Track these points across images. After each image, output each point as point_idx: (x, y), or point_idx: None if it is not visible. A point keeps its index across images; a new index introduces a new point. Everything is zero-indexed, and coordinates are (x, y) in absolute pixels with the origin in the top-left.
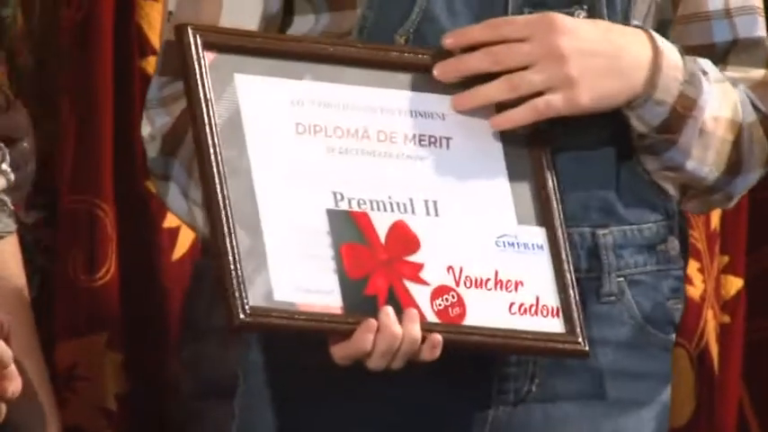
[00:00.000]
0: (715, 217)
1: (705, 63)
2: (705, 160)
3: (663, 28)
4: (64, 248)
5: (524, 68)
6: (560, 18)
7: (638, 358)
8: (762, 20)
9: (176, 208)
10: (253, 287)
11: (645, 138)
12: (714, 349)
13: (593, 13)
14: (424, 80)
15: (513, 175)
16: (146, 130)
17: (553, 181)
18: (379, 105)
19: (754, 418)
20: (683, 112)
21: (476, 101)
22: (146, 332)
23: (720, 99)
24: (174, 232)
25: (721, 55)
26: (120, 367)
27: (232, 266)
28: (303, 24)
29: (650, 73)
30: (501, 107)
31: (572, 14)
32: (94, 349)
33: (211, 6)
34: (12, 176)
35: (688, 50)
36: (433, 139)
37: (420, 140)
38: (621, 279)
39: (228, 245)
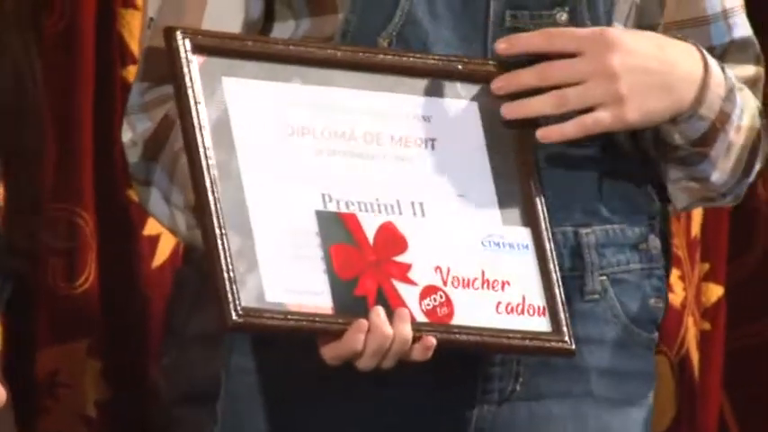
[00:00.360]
0: (696, 224)
1: (732, 73)
2: (727, 170)
3: (651, 31)
4: (43, 256)
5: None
6: (615, 34)
7: (622, 357)
8: (746, 17)
9: (158, 213)
10: (244, 288)
11: (678, 149)
12: (695, 356)
13: (574, 15)
14: (410, 83)
15: (498, 176)
16: (126, 135)
17: (537, 181)
18: (367, 108)
19: (735, 424)
20: (719, 126)
21: (524, 112)
22: (126, 339)
23: (745, 107)
24: (155, 240)
25: (719, 57)
26: (100, 374)
27: (224, 268)
28: (283, 30)
29: (699, 90)
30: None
31: (554, 16)
32: (75, 356)
33: (193, 13)
34: None
35: None
36: (419, 141)
37: (406, 142)
38: (604, 278)
39: (220, 246)
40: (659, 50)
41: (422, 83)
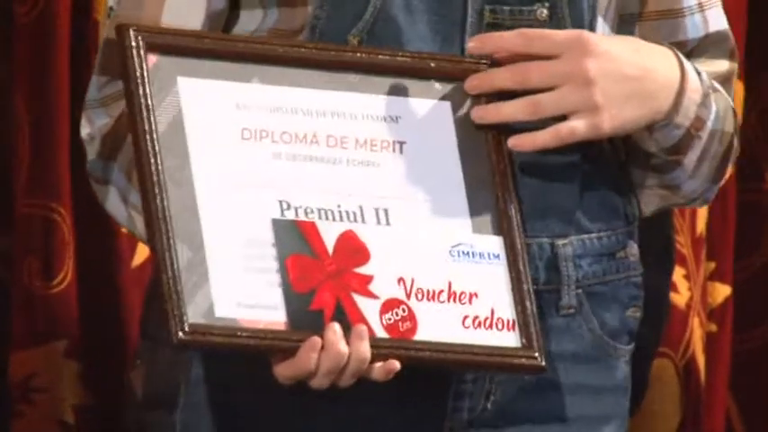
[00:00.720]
0: (701, 221)
1: (707, 75)
2: (700, 177)
3: (625, 23)
4: (19, 254)
5: (549, 88)
6: (592, 39)
7: (598, 372)
8: (722, 9)
9: (116, 213)
10: (193, 303)
11: (652, 157)
12: (701, 359)
13: (554, 12)
14: (377, 82)
15: (470, 182)
16: (84, 130)
17: (512, 187)
18: (330, 109)
19: (742, 430)
20: (694, 133)
21: (496, 117)
22: (105, 341)
23: (720, 111)
24: (134, 238)
25: (692, 50)
26: (78, 378)
27: (171, 282)
28: (250, 20)
29: (676, 96)
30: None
31: (534, 12)
32: (52, 359)
33: (153, 3)
34: None
35: None
36: (386, 144)
37: (372, 145)
38: (580, 291)
39: (167, 260)
40: (637, 55)
41: (390, 82)
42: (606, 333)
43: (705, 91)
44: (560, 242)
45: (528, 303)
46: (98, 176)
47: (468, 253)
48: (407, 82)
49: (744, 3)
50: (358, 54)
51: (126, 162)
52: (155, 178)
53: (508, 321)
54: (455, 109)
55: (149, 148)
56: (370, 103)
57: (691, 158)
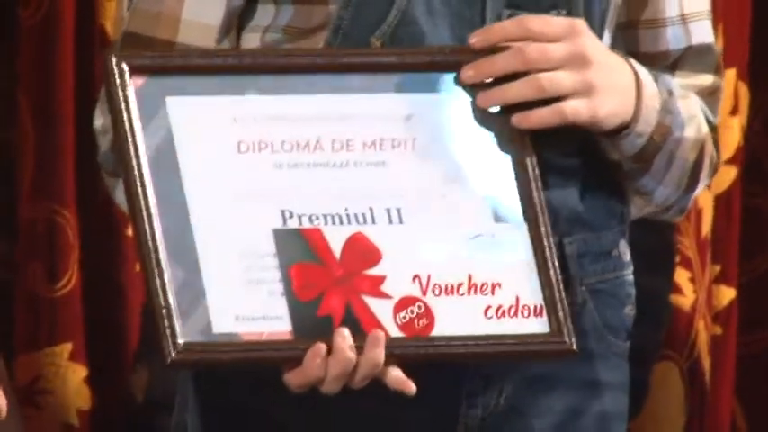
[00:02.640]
0: (706, 224)
1: (670, 81)
2: (670, 184)
3: (615, 30)
4: (23, 258)
5: (549, 69)
6: (584, 25)
7: (602, 369)
8: (709, 23)
9: (123, 204)
10: (189, 322)
11: (619, 164)
12: (706, 362)
13: (570, 16)
14: (383, 80)
15: (490, 171)
16: (98, 122)
17: (535, 174)
18: (334, 112)
19: None
20: (658, 140)
21: (501, 99)
22: (110, 344)
23: (686, 118)
24: None
25: (675, 61)
26: (83, 381)
27: (161, 303)
28: (263, 17)
29: (635, 102)
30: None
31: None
32: (57, 362)
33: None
34: None
35: (639, 56)
36: (396, 142)
37: (381, 145)
38: (584, 288)
39: (158, 283)
40: (606, 52)
41: (398, 79)
42: (607, 330)
43: (664, 97)
44: (567, 241)
45: (555, 288)
46: (109, 169)
47: (489, 243)
48: (417, 77)
49: (747, 10)
50: (361, 54)
51: None
52: (142, 203)
53: (535, 308)
54: (470, 99)
55: (136, 174)
56: (377, 103)
57: (658, 165)
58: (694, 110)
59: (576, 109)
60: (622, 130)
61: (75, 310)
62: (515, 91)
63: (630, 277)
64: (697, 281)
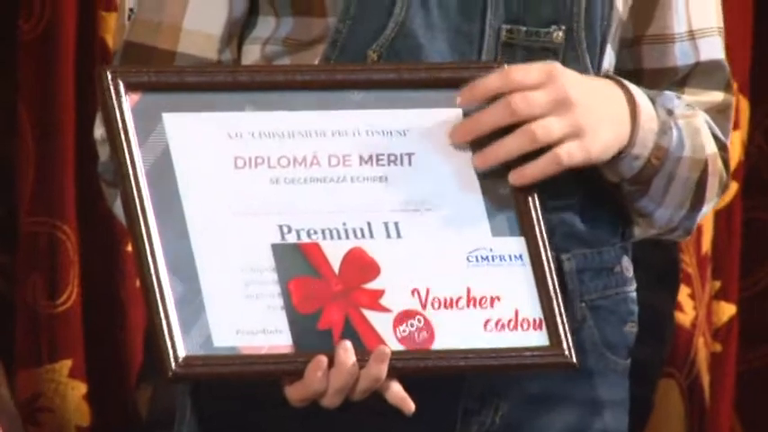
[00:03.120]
0: (706, 240)
1: (670, 100)
2: (671, 205)
3: (620, 46)
4: (23, 273)
5: (536, 118)
6: (561, 67)
7: (601, 386)
8: (720, 39)
9: (122, 216)
10: (189, 336)
11: (617, 186)
12: (705, 379)
13: (570, 34)
14: (383, 97)
15: (486, 185)
16: (98, 131)
17: (532, 187)
18: (331, 128)
19: None
20: (656, 162)
21: (499, 158)
22: (111, 361)
23: (687, 138)
24: None
25: (683, 77)
26: (83, 398)
27: (161, 318)
28: (264, 28)
29: (631, 127)
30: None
31: (550, 34)
32: (57, 379)
33: (174, 7)
34: None
35: (646, 72)
36: (393, 157)
37: (378, 160)
38: (584, 305)
39: (158, 297)
40: (590, 83)
41: (396, 95)
42: (607, 347)
43: (663, 118)
44: (564, 257)
45: (554, 301)
46: (108, 179)
47: (487, 257)
48: (415, 93)
49: (749, 23)
50: (358, 70)
51: None
52: (140, 219)
53: (534, 321)
54: (465, 113)
55: (134, 190)
56: (375, 119)
57: (657, 186)
58: (699, 128)
59: (569, 153)
60: (619, 153)
61: (76, 327)
62: (510, 147)
63: (633, 294)
64: (697, 297)
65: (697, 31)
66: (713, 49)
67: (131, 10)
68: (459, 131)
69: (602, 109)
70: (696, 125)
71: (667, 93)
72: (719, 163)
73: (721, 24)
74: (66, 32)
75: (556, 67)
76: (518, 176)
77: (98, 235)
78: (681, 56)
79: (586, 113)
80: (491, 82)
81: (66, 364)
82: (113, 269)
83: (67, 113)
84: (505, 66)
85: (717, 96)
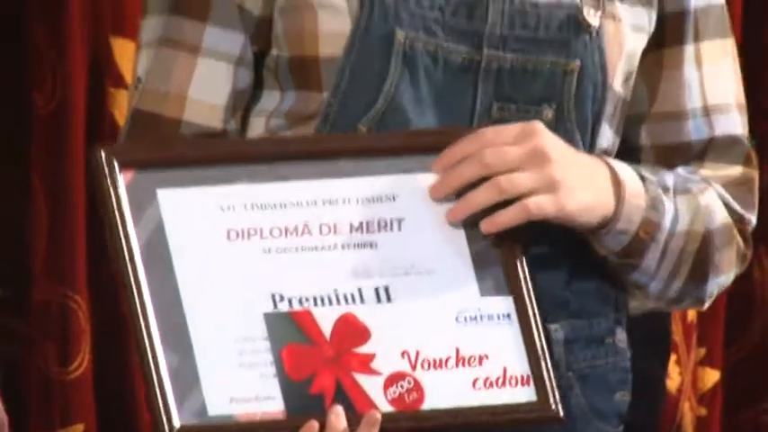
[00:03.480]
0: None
1: (668, 177)
2: (665, 277)
3: (632, 123)
4: (36, 340)
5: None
6: (540, 125)
7: None
8: (739, 115)
9: None
10: (183, 406)
11: (607, 260)
12: None
13: (560, 112)
14: (367, 164)
15: (475, 247)
16: None
17: (518, 245)
18: (322, 197)
19: None
20: (645, 237)
21: (468, 209)
22: (122, 427)
23: (685, 212)
24: None
25: (698, 153)
26: None
27: (158, 389)
28: (269, 100)
29: (615, 201)
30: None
31: (540, 112)
32: None
33: (180, 77)
34: None
35: (661, 148)
36: (383, 223)
37: (368, 227)
38: (571, 374)
39: (152, 368)
40: (576, 154)
41: (384, 162)
42: (596, 415)
43: (653, 194)
44: (552, 327)
45: (542, 357)
46: None
47: (475, 317)
48: (402, 159)
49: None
50: (346, 140)
51: None
52: (135, 292)
53: (522, 377)
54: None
55: (128, 266)
56: (364, 186)
57: (649, 261)
58: (704, 203)
59: (538, 204)
60: (605, 227)
61: (87, 392)
62: (478, 199)
63: (626, 364)
64: (683, 363)
65: (712, 107)
66: (730, 124)
67: (139, 79)
68: (435, 188)
69: (581, 172)
70: (701, 200)
71: (669, 173)
72: (734, 234)
73: (742, 100)
74: (78, 108)
75: (536, 124)
76: (488, 224)
77: (109, 305)
78: (695, 132)
79: (562, 170)
80: (465, 143)
81: (79, 429)
82: (123, 336)
83: (78, 186)
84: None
85: (735, 170)
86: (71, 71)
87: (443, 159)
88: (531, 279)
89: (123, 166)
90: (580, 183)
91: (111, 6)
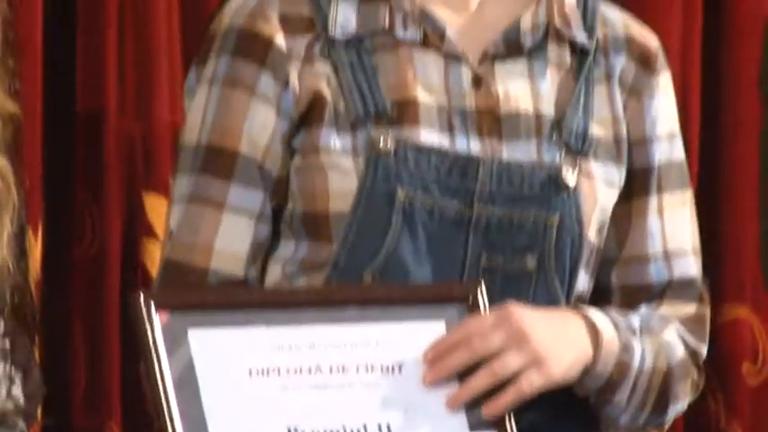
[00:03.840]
0: None
1: (635, 319)
2: (635, 411)
3: (604, 267)
4: None
5: (495, 353)
6: (513, 305)
7: None
8: (694, 259)
9: None
10: None
11: (584, 398)
12: None
13: (542, 261)
14: (375, 313)
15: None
16: None
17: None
18: (332, 341)
19: None
20: (617, 377)
21: (466, 396)
22: None
23: (650, 351)
24: None
25: (658, 293)
26: None
27: None
28: (285, 251)
29: (593, 349)
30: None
31: (524, 261)
32: None
33: (207, 232)
34: (22, 401)
35: (627, 289)
36: (384, 367)
37: (371, 369)
38: None
39: None
40: (546, 316)
41: (386, 311)
42: None
43: (624, 339)
44: None
45: None
46: None
47: None
48: (403, 309)
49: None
50: (355, 290)
51: None
52: (168, 422)
53: None
54: (449, 325)
55: (162, 397)
56: (369, 332)
57: (620, 397)
58: (665, 341)
59: (530, 382)
60: (586, 373)
61: None
62: (475, 386)
63: None
64: None
65: (672, 252)
66: (686, 267)
67: (171, 231)
68: (431, 374)
69: (558, 336)
70: (662, 338)
71: (636, 315)
72: (689, 367)
73: (697, 246)
74: (113, 257)
75: (508, 308)
76: (491, 410)
77: (141, 429)
78: (656, 274)
79: (542, 342)
80: (452, 335)
81: None
82: None
83: (113, 328)
84: (482, 285)
85: (690, 308)
86: (108, 222)
87: (434, 350)
88: (516, 423)
89: (159, 309)
90: (560, 347)
91: (143, 164)
